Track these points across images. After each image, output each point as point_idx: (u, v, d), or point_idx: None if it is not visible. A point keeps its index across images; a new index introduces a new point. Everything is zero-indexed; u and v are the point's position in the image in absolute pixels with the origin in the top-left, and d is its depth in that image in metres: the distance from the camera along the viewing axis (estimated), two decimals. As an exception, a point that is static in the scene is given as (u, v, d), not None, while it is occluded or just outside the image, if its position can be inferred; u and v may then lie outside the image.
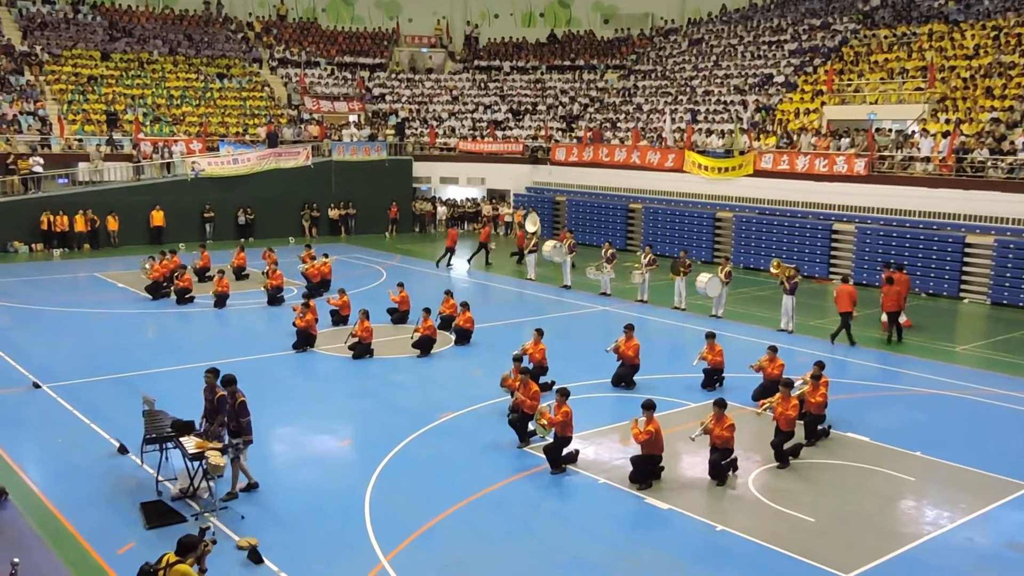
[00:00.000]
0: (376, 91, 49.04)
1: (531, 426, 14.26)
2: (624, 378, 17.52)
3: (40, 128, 37.43)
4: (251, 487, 12.38)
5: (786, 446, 13.76)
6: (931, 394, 17.66)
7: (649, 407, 12.88)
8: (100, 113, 39.54)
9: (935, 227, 28.62)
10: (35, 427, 15.02)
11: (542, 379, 16.84)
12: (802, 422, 14.51)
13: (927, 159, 29.45)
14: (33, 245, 34.18)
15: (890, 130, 32.40)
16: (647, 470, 12.81)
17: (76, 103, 39.71)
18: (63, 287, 27.49)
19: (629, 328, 17.84)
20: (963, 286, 27.83)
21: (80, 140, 37.73)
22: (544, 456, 13.40)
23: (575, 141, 42.61)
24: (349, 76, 49.26)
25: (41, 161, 35.04)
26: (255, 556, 10.35)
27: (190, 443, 11.99)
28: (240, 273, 28.46)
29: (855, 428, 15.35)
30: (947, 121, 31.11)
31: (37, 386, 16.96)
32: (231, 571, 10.15)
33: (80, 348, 20.06)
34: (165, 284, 25.55)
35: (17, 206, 33.99)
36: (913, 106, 32.99)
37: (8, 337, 20.70)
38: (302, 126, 43.17)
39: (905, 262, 27.13)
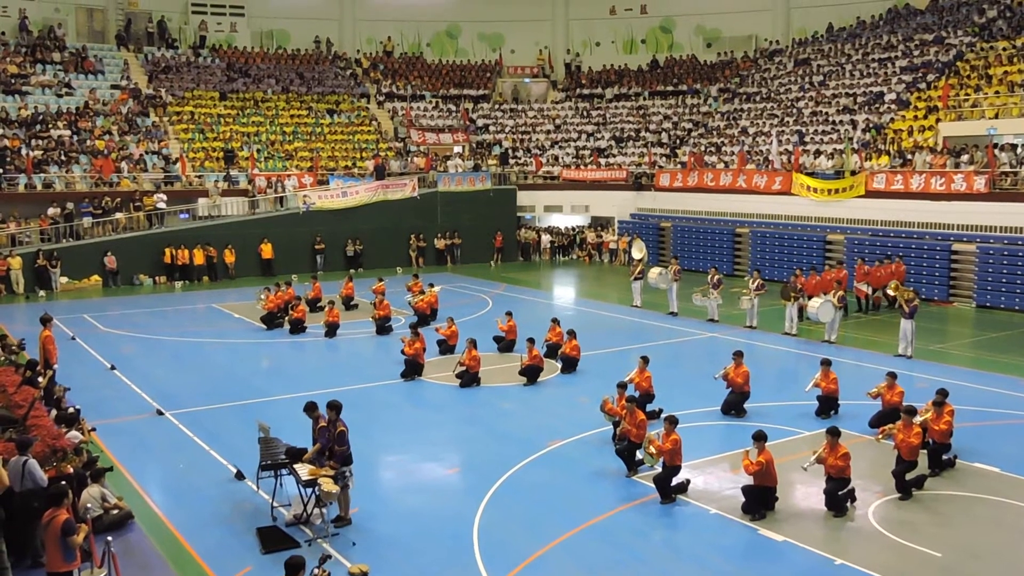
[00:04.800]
0: (480, 122, 49.75)
1: (639, 455, 14.06)
2: (734, 405, 17.15)
3: (164, 166, 39.32)
4: (342, 521, 12.28)
5: (909, 476, 13.17)
6: (1066, 423, 16.67)
7: (760, 438, 12.56)
8: (218, 150, 41.32)
9: (1065, 246, 27.19)
10: (159, 452, 15.64)
11: (649, 407, 16.64)
12: (925, 451, 13.89)
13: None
14: (156, 278, 35.78)
15: (1013, 145, 30.96)
16: (760, 500, 12.46)
17: (196, 141, 41.62)
18: (183, 318, 28.65)
19: (738, 355, 17.47)
20: (1097, 308, 26.30)
21: (200, 176, 39.50)
22: (653, 485, 13.19)
23: (679, 166, 42.20)
24: (454, 108, 50.13)
25: (164, 198, 36.77)
26: (366, 582, 10.45)
27: (304, 470, 12.27)
28: (349, 303, 29.12)
29: (984, 458, 14.59)
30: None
31: (160, 413, 17.70)
32: (343, 596, 10.28)
33: (199, 376, 20.83)
34: (279, 315, 26.34)
35: (143, 241, 35.72)
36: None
37: (135, 366, 21.67)
38: (408, 158, 44.10)
39: None
